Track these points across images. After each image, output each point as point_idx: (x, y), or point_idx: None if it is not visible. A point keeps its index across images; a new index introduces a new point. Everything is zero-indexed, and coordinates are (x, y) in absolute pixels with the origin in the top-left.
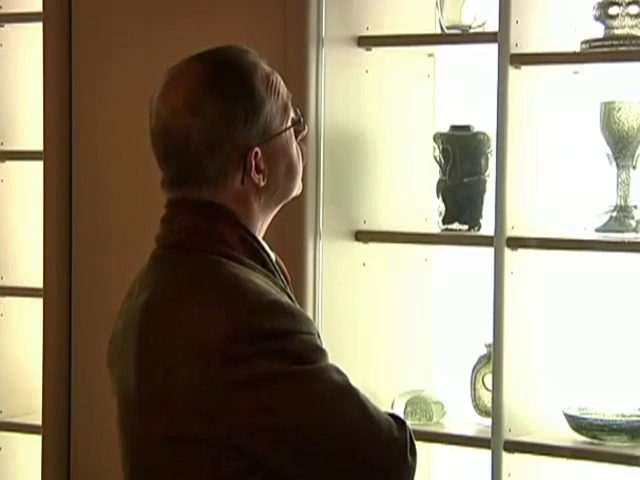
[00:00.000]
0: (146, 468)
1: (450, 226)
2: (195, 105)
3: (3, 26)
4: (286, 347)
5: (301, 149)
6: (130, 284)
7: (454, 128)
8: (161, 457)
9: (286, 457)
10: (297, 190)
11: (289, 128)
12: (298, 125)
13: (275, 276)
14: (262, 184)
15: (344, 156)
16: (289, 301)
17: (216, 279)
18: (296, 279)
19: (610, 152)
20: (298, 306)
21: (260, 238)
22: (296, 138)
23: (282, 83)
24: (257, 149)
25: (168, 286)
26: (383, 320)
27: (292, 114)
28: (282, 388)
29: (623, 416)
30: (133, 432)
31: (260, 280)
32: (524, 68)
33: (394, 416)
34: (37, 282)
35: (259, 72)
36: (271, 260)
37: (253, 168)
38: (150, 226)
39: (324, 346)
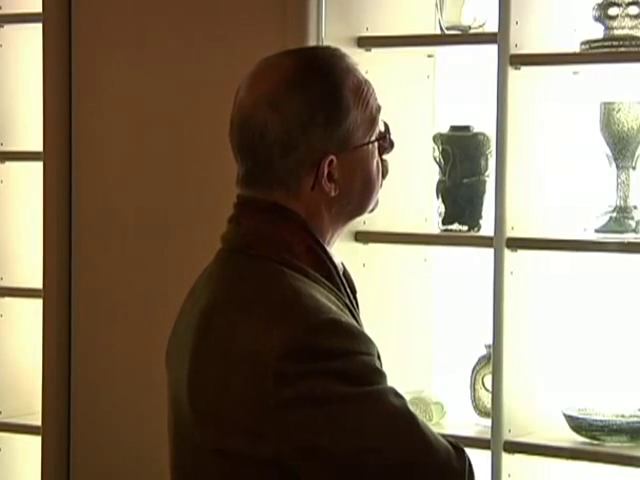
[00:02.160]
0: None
1: (450, 227)
2: (277, 100)
3: (3, 26)
4: (343, 368)
5: (384, 166)
6: (194, 280)
7: (454, 129)
8: (207, 471)
9: None
10: (372, 206)
11: (372, 142)
12: (384, 141)
13: (340, 290)
14: (333, 194)
15: None
16: (349, 320)
17: (276, 293)
18: None
19: (610, 153)
20: (360, 323)
21: (329, 249)
22: (380, 154)
23: (374, 95)
24: (333, 157)
25: (229, 294)
26: (383, 321)
27: (379, 128)
28: (337, 409)
29: (623, 416)
30: (182, 441)
31: (322, 295)
32: (524, 68)
33: (453, 444)
34: (37, 282)
35: (350, 79)
36: (338, 273)
37: (325, 175)
38: (149, 226)
39: (383, 368)
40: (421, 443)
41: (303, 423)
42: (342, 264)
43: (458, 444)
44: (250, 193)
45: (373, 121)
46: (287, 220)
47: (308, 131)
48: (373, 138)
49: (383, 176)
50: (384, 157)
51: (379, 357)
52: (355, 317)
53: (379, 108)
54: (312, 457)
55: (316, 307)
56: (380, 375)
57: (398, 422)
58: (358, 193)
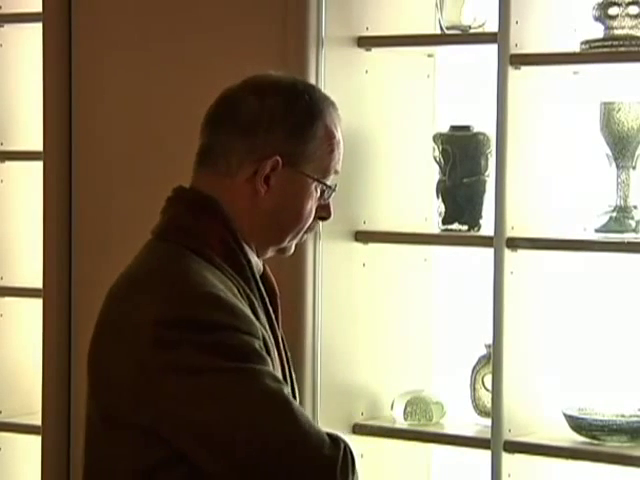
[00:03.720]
0: (87, 452)
1: (450, 226)
2: (263, 90)
3: (3, 26)
4: (219, 341)
5: (314, 220)
6: None
7: (454, 128)
8: (98, 439)
9: (206, 453)
10: (287, 241)
11: (318, 180)
12: (324, 191)
13: (249, 286)
14: (262, 196)
15: (344, 156)
16: (234, 300)
17: (169, 270)
18: (296, 280)
19: (610, 152)
20: (276, 325)
21: (247, 246)
22: (318, 207)
23: (339, 159)
24: (280, 160)
25: (131, 274)
26: (383, 320)
27: (327, 181)
28: (208, 381)
29: (623, 416)
30: (86, 414)
31: (218, 279)
32: (524, 68)
33: (332, 436)
34: (37, 282)
35: (330, 124)
36: (251, 270)
37: (264, 174)
38: (150, 226)
39: (266, 354)
40: (292, 427)
41: (174, 391)
42: (263, 266)
43: (338, 436)
44: (197, 178)
45: (327, 170)
46: (207, 211)
47: (274, 128)
48: (322, 181)
49: (310, 228)
50: (318, 216)
51: (266, 344)
52: (270, 318)
53: (336, 172)
54: (185, 428)
55: (201, 283)
56: (258, 356)
57: (271, 403)
58: (282, 215)
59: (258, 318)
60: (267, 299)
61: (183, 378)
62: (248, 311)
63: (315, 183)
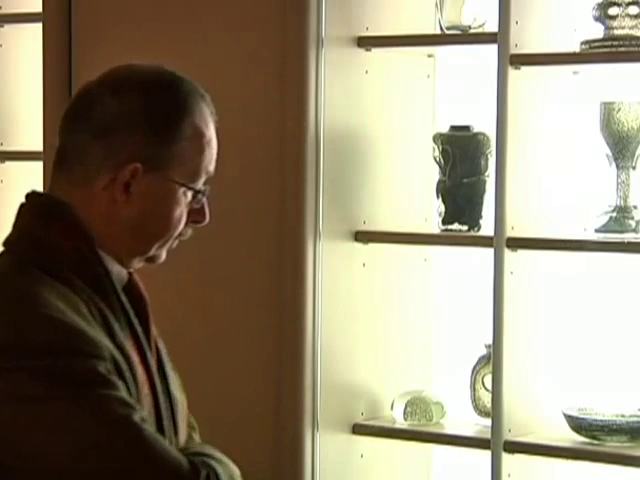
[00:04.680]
0: None
1: (450, 227)
2: (122, 88)
3: (3, 26)
4: (53, 367)
5: (186, 226)
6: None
7: (454, 128)
8: None
9: None
10: (153, 251)
11: (185, 185)
12: (195, 200)
13: (108, 300)
14: (121, 205)
15: (344, 156)
16: (75, 320)
17: (3, 290)
18: (296, 279)
19: (610, 152)
20: (142, 333)
21: (108, 255)
22: (190, 214)
23: (211, 160)
24: (140, 167)
25: None
26: (383, 321)
27: (199, 187)
28: (45, 411)
29: (623, 416)
30: None
31: (62, 298)
32: (524, 68)
33: (194, 463)
34: None
35: (200, 123)
36: (110, 281)
37: (123, 180)
38: None
39: (117, 376)
40: (141, 452)
41: (12, 420)
42: (130, 275)
43: (204, 463)
44: (54, 182)
45: (196, 173)
46: (59, 219)
47: (133, 130)
48: (191, 186)
49: (181, 235)
50: (192, 221)
51: (118, 365)
52: (134, 330)
53: (208, 172)
54: (24, 458)
55: (36, 304)
56: (102, 381)
57: (115, 431)
58: (146, 224)
59: (113, 334)
60: (131, 311)
61: (20, 407)
62: (95, 331)
63: (183, 188)
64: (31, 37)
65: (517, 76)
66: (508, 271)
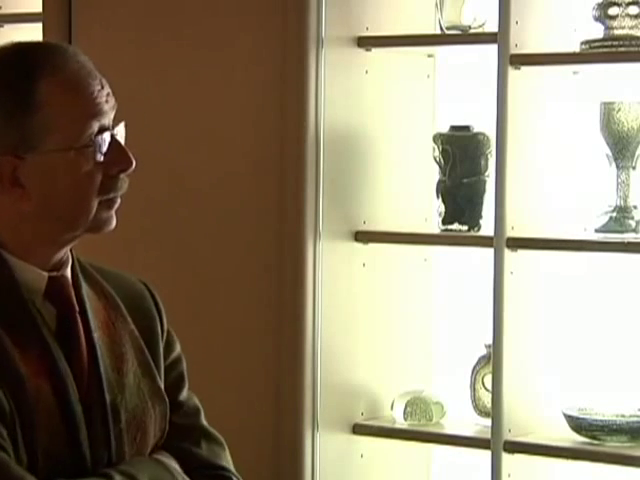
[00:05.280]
0: None
1: (450, 227)
2: None
3: (3, 26)
4: None
5: (107, 180)
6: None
7: (454, 128)
8: None
9: None
10: (85, 225)
11: (69, 149)
12: (93, 149)
13: (10, 311)
14: (23, 201)
15: (344, 156)
16: None
17: None
18: (296, 279)
19: (610, 152)
20: (81, 337)
21: (21, 261)
22: (106, 168)
23: (91, 98)
24: (14, 157)
25: None
26: (383, 321)
27: (87, 138)
28: None
29: (623, 416)
30: None
31: None
32: (524, 68)
33: None
34: None
35: (57, 75)
36: (15, 291)
37: (7, 177)
38: (149, 225)
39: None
40: None
41: None
42: (54, 280)
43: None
44: None
45: (78, 128)
46: None
47: None
48: (78, 144)
49: (105, 191)
50: (116, 172)
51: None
52: (43, 340)
53: (98, 114)
54: None
55: None
56: None
57: None
58: (54, 208)
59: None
60: (39, 318)
61: None
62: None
63: (72, 152)
64: (31, 37)
65: (517, 76)
66: (508, 271)
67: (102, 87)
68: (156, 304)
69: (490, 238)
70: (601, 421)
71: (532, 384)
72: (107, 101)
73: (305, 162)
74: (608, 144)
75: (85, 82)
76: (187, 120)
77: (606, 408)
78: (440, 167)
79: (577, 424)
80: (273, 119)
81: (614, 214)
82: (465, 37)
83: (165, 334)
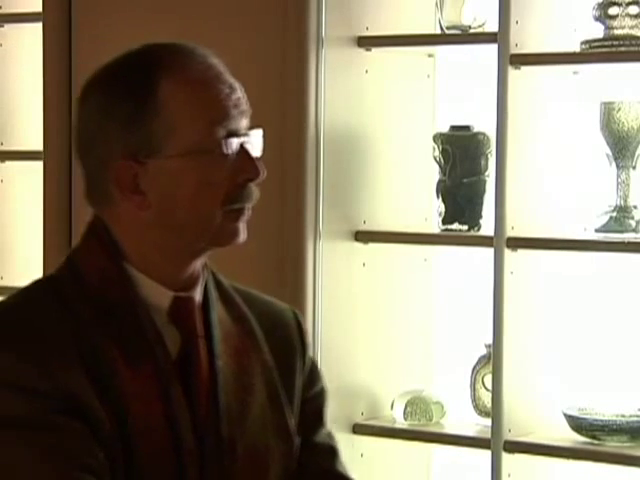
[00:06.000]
0: None
1: (450, 226)
2: (85, 93)
3: (3, 26)
4: None
5: (236, 188)
6: None
7: (454, 128)
8: None
9: None
10: (210, 239)
11: (192, 153)
12: (219, 153)
13: (135, 320)
14: (143, 209)
15: (344, 156)
16: (26, 357)
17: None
18: (296, 279)
19: (610, 152)
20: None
21: (140, 277)
22: (235, 172)
23: (220, 99)
24: (133, 163)
25: None
26: (383, 320)
27: (215, 142)
28: None
29: (623, 416)
30: None
31: (29, 330)
32: (524, 68)
33: None
34: None
35: (180, 75)
36: (141, 301)
37: (127, 184)
38: None
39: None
40: None
41: None
42: (179, 301)
43: None
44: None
45: (204, 131)
46: (92, 236)
47: (105, 127)
48: (202, 150)
49: (231, 200)
50: (243, 181)
51: (81, 403)
52: (158, 360)
53: (227, 117)
54: None
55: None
56: (28, 421)
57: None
58: (174, 217)
59: (100, 366)
60: (161, 339)
61: None
62: (60, 364)
63: (195, 157)
64: (31, 37)
65: (517, 76)
66: (508, 271)
67: (231, 91)
68: (301, 335)
69: (490, 238)
70: (601, 421)
71: (532, 384)
72: (236, 106)
73: (305, 162)
74: (608, 144)
75: (211, 84)
76: None
77: (606, 408)
78: (440, 167)
79: (577, 424)
80: (273, 119)
81: (614, 214)
82: (465, 37)
83: (307, 368)
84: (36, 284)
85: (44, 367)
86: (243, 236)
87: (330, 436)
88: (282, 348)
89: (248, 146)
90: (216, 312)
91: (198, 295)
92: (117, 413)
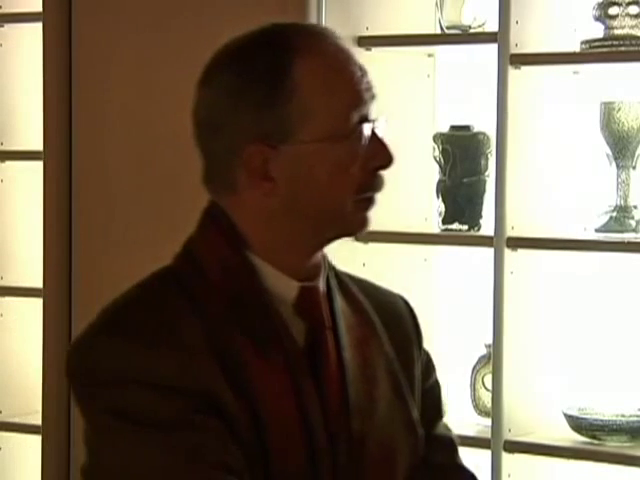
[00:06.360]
0: None
1: (450, 226)
2: (211, 74)
3: (3, 26)
4: (115, 397)
5: (367, 177)
6: None
7: (454, 128)
8: None
9: None
10: (343, 228)
11: (326, 140)
12: (352, 140)
13: (255, 314)
14: (270, 196)
15: None
16: (172, 353)
17: (117, 305)
18: None
19: (610, 152)
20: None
21: (265, 266)
22: (365, 159)
23: (354, 85)
24: (263, 147)
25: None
26: None
27: (348, 128)
28: (97, 441)
29: (623, 416)
30: None
31: (163, 325)
32: (524, 68)
33: None
34: (37, 282)
35: (316, 59)
36: (263, 294)
37: (256, 169)
38: (150, 226)
39: (207, 416)
40: None
41: (85, 445)
42: (305, 291)
43: None
44: (209, 194)
45: (339, 116)
46: (211, 224)
47: (237, 109)
48: (337, 135)
49: (363, 189)
50: (375, 168)
51: (220, 401)
52: (289, 355)
53: (361, 103)
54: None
55: (123, 331)
56: (172, 422)
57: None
58: (305, 205)
59: (231, 360)
60: (289, 331)
61: (88, 433)
62: (190, 361)
63: (330, 143)
64: (31, 37)
65: (517, 76)
66: (508, 271)
67: (363, 74)
68: (415, 324)
69: (490, 238)
70: (601, 421)
71: (532, 384)
72: (368, 89)
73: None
74: (608, 144)
75: (345, 67)
76: (187, 120)
77: (606, 408)
78: (440, 167)
79: (577, 424)
80: None
81: (614, 214)
82: (465, 37)
83: (424, 358)
84: (156, 277)
85: (182, 364)
86: (369, 225)
87: (447, 428)
88: (400, 338)
89: (379, 132)
90: (339, 302)
91: (322, 285)
92: (250, 408)
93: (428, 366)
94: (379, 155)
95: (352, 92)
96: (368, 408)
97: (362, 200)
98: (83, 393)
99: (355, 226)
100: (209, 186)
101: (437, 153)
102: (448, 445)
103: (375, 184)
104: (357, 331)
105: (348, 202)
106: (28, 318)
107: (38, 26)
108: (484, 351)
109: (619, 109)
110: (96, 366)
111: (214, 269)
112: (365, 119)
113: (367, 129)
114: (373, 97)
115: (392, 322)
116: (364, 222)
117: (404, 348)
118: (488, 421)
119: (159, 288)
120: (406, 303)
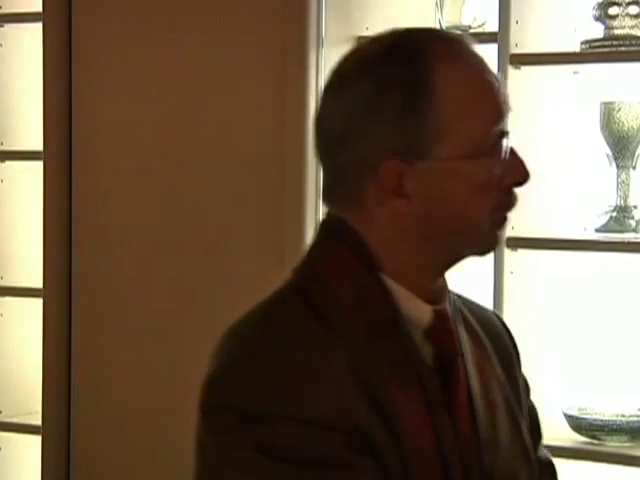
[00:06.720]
0: None
1: None
2: (345, 83)
3: (3, 26)
4: (267, 436)
5: (503, 195)
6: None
7: None
8: None
9: None
10: (481, 245)
11: (463, 157)
12: (492, 157)
13: (392, 340)
14: (403, 214)
15: None
16: (318, 388)
17: (252, 323)
18: None
19: (610, 152)
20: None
21: (397, 288)
22: (501, 176)
23: (490, 98)
24: (400, 163)
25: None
26: None
27: (487, 146)
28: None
29: (623, 416)
30: None
31: (308, 350)
32: (524, 68)
33: None
34: (37, 282)
35: (455, 69)
36: (396, 326)
37: (391, 185)
38: (150, 226)
39: (359, 453)
40: None
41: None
42: (438, 315)
43: None
44: (329, 209)
45: (476, 133)
46: (336, 241)
47: (372, 121)
48: (478, 152)
49: (501, 208)
50: (510, 184)
51: (368, 437)
52: (426, 385)
53: (498, 118)
54: None
55: (267, 360)
56: (325, 460)
57: None
58: (439, 225)
59: (375, 392)
60: (424, 365)
61: (217, 467)
62: (344, 393)
63: (470, 160)
64: (31, 37)
65: (517, 76)
66: (508, 271)
67: (499, 85)
68: (513, 343)
69: None
70: (601, 421)
71: (532, 384)
72: (505, 102)
73: (305, 162)
74: (608, 144)
75: (484, 78)
76: (187, 120)
77: (606, 408)
78: None
79: (577, 424)
80: (273, 119)
81: (614, 214)
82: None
83: (522, 379)
84: (284, 298)
85: (332, 399)
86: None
87: (545, 450)
88: (505, 360)
89: (513, 147)
90: (462, 326)
91: (449, 308)
92: (395, 442)
93: (526, 385)
94: (516, 172)
95: (493, 105)
96: (493, 438)
97: (498, 219)
98: (220, 427)
99: (490, 245)
100: (330, 199)
101: None
102: (551, 468)
103: (511, 202)
104: (475, 356)
105: (486, 222)
106: (28, 318)
107: (38, 26)
108: None
109: (619, 109)
110: (240, 400)
111: (346, 291)
112: (503, 134)
113: (505, 145)
114: (509, 110)
115: (496, 342)
116: (497, 241)
117: (508, 370)
118: None
119: (292, 312)
120: (499, 318)
